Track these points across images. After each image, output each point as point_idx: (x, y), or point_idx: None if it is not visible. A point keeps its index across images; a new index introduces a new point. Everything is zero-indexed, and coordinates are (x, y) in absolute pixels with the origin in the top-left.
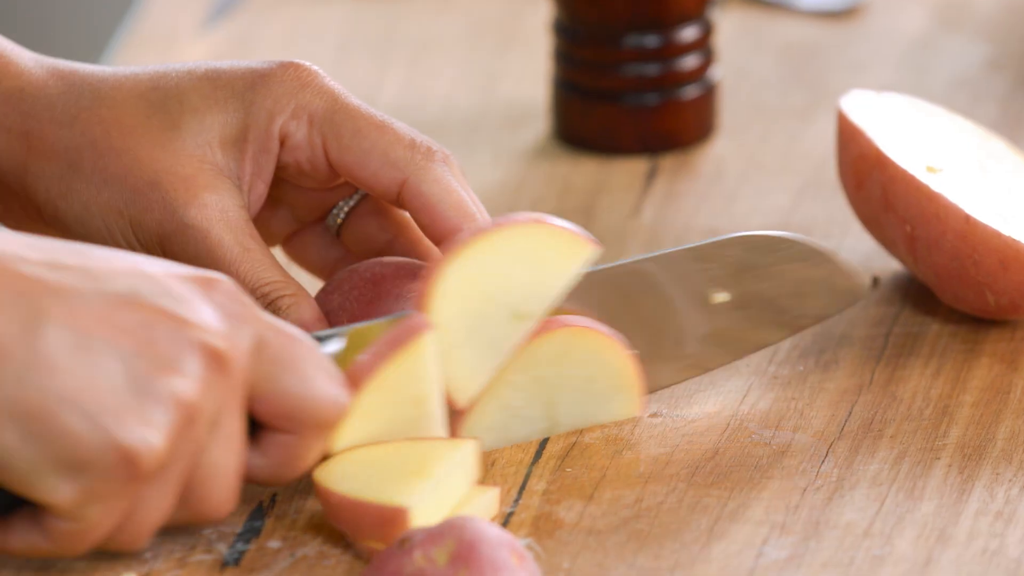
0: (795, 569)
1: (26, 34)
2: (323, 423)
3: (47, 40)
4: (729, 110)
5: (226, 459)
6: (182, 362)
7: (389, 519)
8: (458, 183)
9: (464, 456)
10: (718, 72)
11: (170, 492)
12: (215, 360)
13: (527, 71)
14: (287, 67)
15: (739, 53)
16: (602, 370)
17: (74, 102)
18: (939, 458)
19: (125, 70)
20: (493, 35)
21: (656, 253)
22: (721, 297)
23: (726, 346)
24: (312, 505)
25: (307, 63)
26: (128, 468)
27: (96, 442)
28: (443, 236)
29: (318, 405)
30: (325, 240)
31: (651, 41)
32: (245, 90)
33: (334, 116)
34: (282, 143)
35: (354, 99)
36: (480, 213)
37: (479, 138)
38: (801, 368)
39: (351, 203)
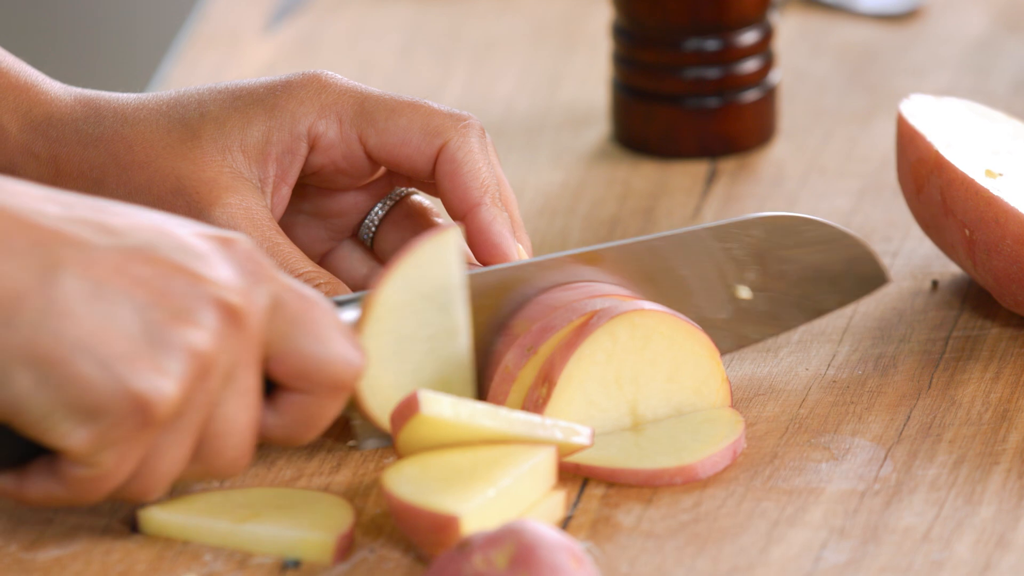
0: (853, 573)
1: (89, 36)
2: (338, 384)
3: (109, 41)
4: (789, 113)
5: (241, 414)
6: (197, 314)
7: (442, 526)
8: (489, 158)
9: (538, 462)
10: (778, 75)
11: (184, 443)
12: (230, 315)
13: (588, 73)
14: (307, 75)
15: (799, 56)
16: (684, 359)
17: (98, 123)
18: (998, 463)
19: (149, 95)
20: (555, 37)
21: (678, 231)
22: (745, 293)
23: (747, 328)
24: (373, 507)
25: (327, 71)
26: (141, 415)
27: (109, 388)
28: (464, 211)
29: (333, 366)
30: (358, 255)
31: (711, 45)
32: (266, 96)
33: (364, 106)
34: (313, 146)
35: (376, 90)
36: (496, 192)
37: (540, 140)
38: (860, 372)
39: (384, 209)
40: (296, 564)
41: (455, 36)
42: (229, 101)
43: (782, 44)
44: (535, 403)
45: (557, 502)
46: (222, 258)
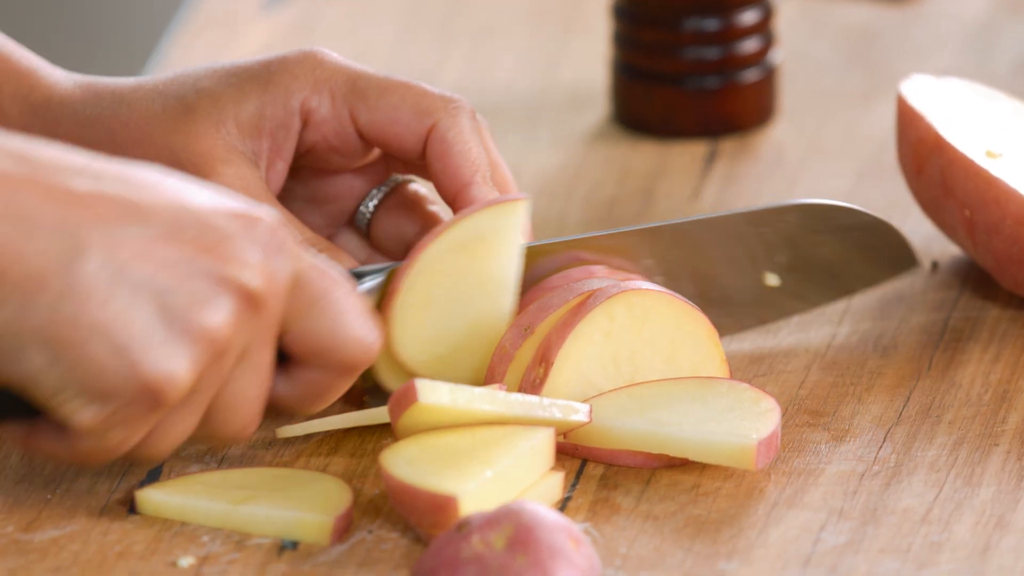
0: (853, 555)
1: (86, 18)
2: (352, 365)
3: (107, 24)
4: (789, 94)
5: (251, 388)
6: (216, 299)
7: (440, 506)
8: (479, 139)
9: (537, 443)
10: (778, 56)
11: (192, 416)
12: (250, 300)
13: (588, 55)
14: (303, 52)
15: (799, 37)
16: (683, 340)
17: (96, 105)
18: (998, 444)
19: (147, 77)
20: (554, 19)
21: (712, 215)
22: (773, 280)
23: (775, 305)
24: (370, 488)
25: (323, 49)
26: (152, 399)
27: (122, 374)
28: (454, 191)
29: (349, 347)
30: (356, 243)
31: (711, 24)
32: (261, 72)
33: (356, 84)
34: (306, 121)
35: (371, 69)
36: (487, 172)
37: (539, 122)
38: (860, 353)
39: (380, 194)
40: (294, 545)
41: (453, 19)
42: (224, 77)
43: (782, 24)
44: (532, 383)
45: (555, 483)
46: (246, 237)
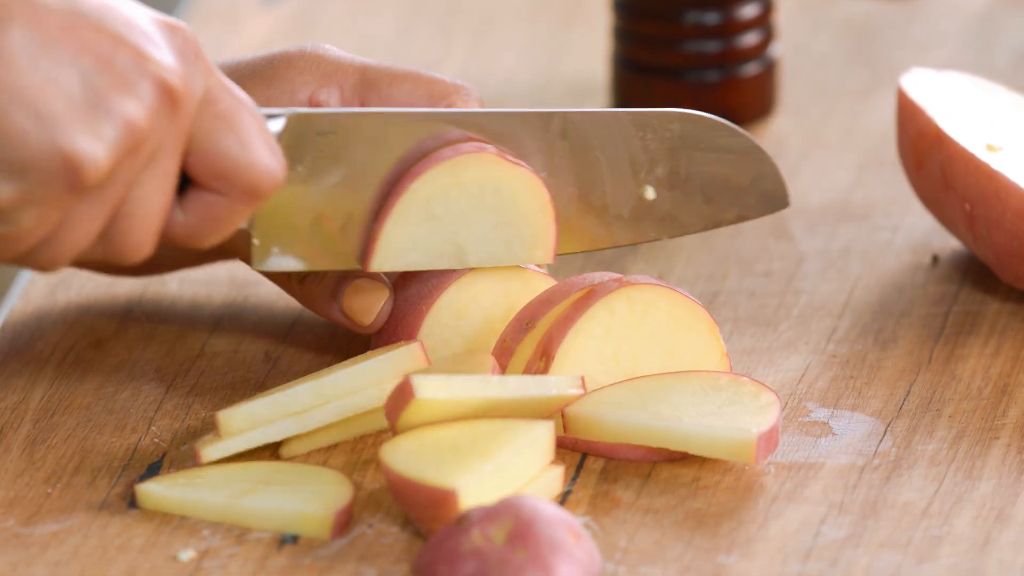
0: (853, 549)
1: None
2: (253, 190)
3: None
4: (789, 88)
5: (155, 197)
6: (138, 87)
7: (440, 500)
8: None
9: (537, 436)
10: (778, 49)
11: (99, 215)
12: (168, 95)
13: (588, 48)
14: (305, 47)
15: (799, 30)
16: (683, 334)
17: None
18: (998, 438)
19: None
20: (555, 11)
21: (601, 110)
22: (651, 193)
23: (646, 222)
24: (371, 482)
25: (325, 44)
26: (69, 176)
27: (43, 145)
28: None
29: (252, 170)
30: None
31: (711, 18)
32: (265, 68)
33: (365, 75)
34: None
35: (375, 61)
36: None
37: None
38: (860, 346)
39: None
40: (294, 539)
41: (454, 11)
42: (228, 74)
43: (783, 17)
44: None
45: (555, 477)
46: (166, 41)
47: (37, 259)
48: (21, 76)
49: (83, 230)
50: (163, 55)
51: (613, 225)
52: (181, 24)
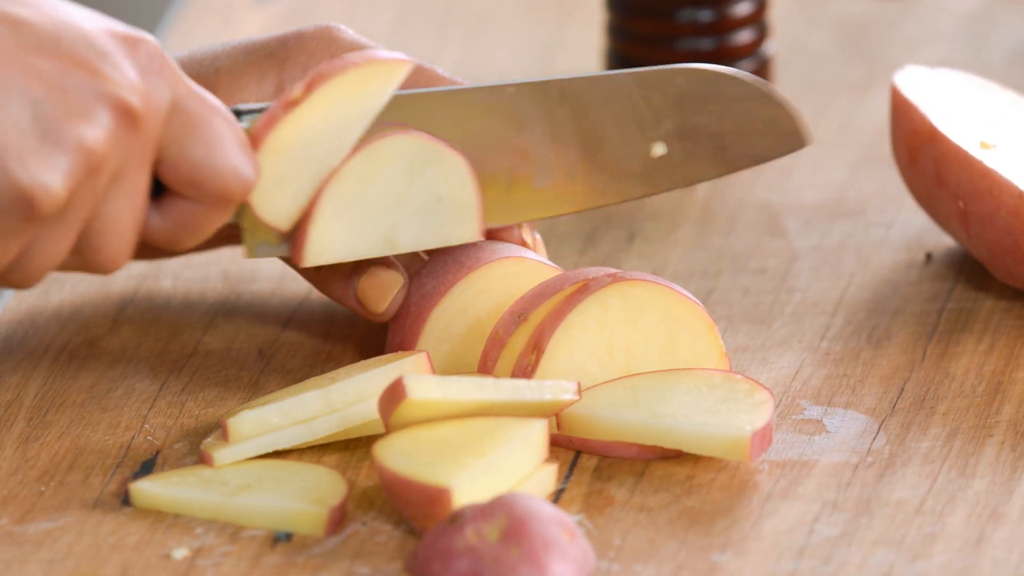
0: (846, 546)
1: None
2: (226, 196)
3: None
4: (783, 85)
5: (125, 213)
6: (92, 112)
7: (433, 498)
8: None
9: (530, 434)
10: (772, 47)
11: (66, 237)
12: (126, 115)
13: (583, 45)
14: (318, 27)
15: (793, 27)
16: (681, 331)
17: None
18: (992, 435)
19: None
20: (549, 9)
21: (600, 73)
22: (660, 150)
23: (661, 175)
24: (364, 480)
25: (339, 25)
26: (25, 209)
27: None
28: None
29: (224, 178)
30: None
31: (705, 15)
32: (279, 48)
33: None
34: None
35: (382, 47)
36: None
37: None
38: (853, 344)
39: None
40: (288, 537)
41: (449, 9)
42: (242, 56)
43: (776, 15)
44: (524, 370)
45: (549, 475)
46: (125, 56)
47: (10, 280)
48: None
49: (52, 251)
50: (120, 73)
51: (625, 180)
52: (144, 35)
